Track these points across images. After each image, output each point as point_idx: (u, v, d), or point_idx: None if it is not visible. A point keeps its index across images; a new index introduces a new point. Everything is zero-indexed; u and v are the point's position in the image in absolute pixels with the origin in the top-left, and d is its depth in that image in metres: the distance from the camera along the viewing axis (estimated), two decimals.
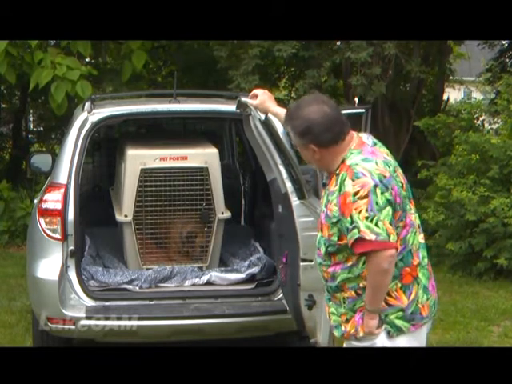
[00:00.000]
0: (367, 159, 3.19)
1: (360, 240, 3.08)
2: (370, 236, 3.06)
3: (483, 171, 8.14)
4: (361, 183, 3.10)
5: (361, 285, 3.21)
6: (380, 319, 3.19)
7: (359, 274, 3.20)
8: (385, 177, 3.15)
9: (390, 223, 3.10)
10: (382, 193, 3.10)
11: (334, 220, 3.19)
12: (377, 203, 3.08)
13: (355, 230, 3.08)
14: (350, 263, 3.22)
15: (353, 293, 3.24)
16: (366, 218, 3.07)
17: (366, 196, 3.08)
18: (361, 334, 3.22)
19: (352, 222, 3.09)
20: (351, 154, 3.22)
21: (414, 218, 3.29)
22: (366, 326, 3.20)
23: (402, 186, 3.24)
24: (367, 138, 3.33)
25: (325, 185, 3.38)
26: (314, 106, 3.25)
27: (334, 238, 3.21)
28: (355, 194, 3.09)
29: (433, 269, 3.38)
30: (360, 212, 3.08)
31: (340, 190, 3.15)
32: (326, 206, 3.26)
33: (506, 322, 6.65)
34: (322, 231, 3.29)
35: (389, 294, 3.20)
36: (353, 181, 3.12)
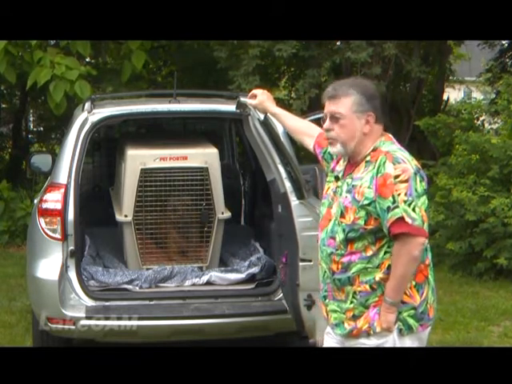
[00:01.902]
0: (402, 150, 3.27)
1: (401, 220, 3.10)
2: (407, 219, 3.10)
3: (483, 171, 8.14)
4: (402, 168, 3.15)
5: (377, 278, 3.19)
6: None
7: (379, 265, 3.19)
8: (420, 168, 3.23)
9: (425, 211, 3.15)
10: (420, 181, 3.16)
11: (366, 202, 3.18)
12: (416, 189, 3.14)
13: (397, 210, 3.11)
14: (369, 253, 3.20)
15: (367, 287, 3.21)
16: (405, 201, 3.11)
17: (407, 181, 3.13)
18: (378, 329, 3.19)
19: (394, 201, 3.12)
20: (384, 143, 3.27)
21: None
22: (384, 320, 3.18)
23: None
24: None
25: (337, 178, 3.36)
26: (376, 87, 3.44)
27: (361, 222, 3.20)
28: (396, 176, 3.13)
29: (433, 269, 3.39)
30: (399, 195, 3.12)
31: (378, 172, 3.17)
32: (349, 192, 3.24)
33: (506, 322, 6.65)
34: (342, 217, 3.25)
35: (403, 292, 3.21)
36: (394, 164, 3.16)
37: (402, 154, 3.22)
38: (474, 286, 7.80)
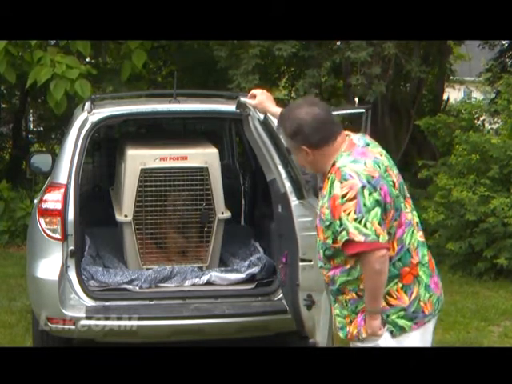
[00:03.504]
0: (356, 161, 3.20)
1: (349, 242, 3.11)
2: (358, 237, 3.09)
3: (483, 171, 8.14)
4: (349, 185, 3.13)
5: (361, 286, 3.22)
6: (382, 319, 3.19)
7: (358, 277, 3.22)
8: (373, 177, 3.16)
9: (379, 224, 3.11)
10: (369, 193, 3.12)
11: (327, 223, 3.22)
12: (365, 204, 3.10)
13: (344, 233, 3.12)
14: (348, 266, 3.23)
15: (354, 295, 3.25)
16: (355, 219, 3.09)
17: (354, 198, 3.10)
18: (363, 335, 3.23)
19: (341, 224, 3.12)
20: (341, 156, 3.24)
21: (410, 216, 3.29)
22: (368, 327, 3.21)
23: (394, 185, 3.23)
24: (358, 139, 3.35)
25: (321, 188, 3.39)
26: (304, 108, 3.29)
27: (329, 241, 3.23)
28: (343, 196, 3.12)
29: (426, 265, 3.37)
30: (349, 214, 3.10)
31: (330, 192, 3.19)
32: (320, 210, 3.29)
33: (506, 322, 6.65)
34: (318, 235, 3.32)
35: (390, 295, 3.21)
36: (341, 183, 3.14)
37: (353, 167, 3.17)
38: (474, 285, 7.80)
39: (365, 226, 3.09)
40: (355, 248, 3.10)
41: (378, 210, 3.11)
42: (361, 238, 3.08)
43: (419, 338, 3.27)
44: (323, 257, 3.30)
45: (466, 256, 8.10)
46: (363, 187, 3.11)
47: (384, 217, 3.14)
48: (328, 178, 3.23)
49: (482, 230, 7.82)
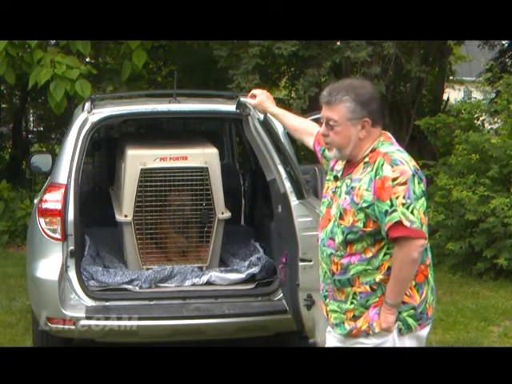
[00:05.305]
0: (400, 150, 3.25)
1: (398, 224, 3.10)
2: (405, 222, 3.09)
3: (483, 171, 8.14)
4: (400, 170, 3.14)
5: (377, 279, 3.19)
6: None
7: (378, 266, 3.19)
8: (418, 169, 3.21)
9: (424, 213, 3.14)
10: (418, 183, 3.15)
11: (364, 205, 3.17)
12: (414, 192, 3.12)
13: (395, 214, 3.10)
14: (369, 254, 3.20)
15: (367, 288, 3.21)
16: (403, 204, 3.10)
17: (405, 183, 3.11)
18: (377, 329, 3.19)
19: (392, 205, 3.11)
20: (382, 144, 3.25)
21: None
22: (384, 321, 3.18)
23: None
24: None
25: (336, 178, 3.35)
26: (373, 87, 3.37)
27: (359, 225, 3.19)
28: (394, 179, 3.12)
29: (432, 268, 3.39)
30: (397, 198, 3.11)
31: (376, 174, 3.16)
32: (348, 193, 3.23)
33: (506, 322, 6.65)
34: (341, 219, 3.24)
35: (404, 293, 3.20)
36: (392, 166, 3.14)
37: (401, 155, 3.20)
38: (473, 286, 7.80)
39: (412, 212, 3.10)
40: (401, 231, 3.09)
41: (424, 200, 3.15)
42: (407, 224, 3.09)
43: (416, 339, 3.27)
44: (341, 242, 3.24)
45: (466, 256, 8.10)
46: (414, 175, 3.14)
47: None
48: (365, 163, 3.22)
49: (482, 230, 7.83)
